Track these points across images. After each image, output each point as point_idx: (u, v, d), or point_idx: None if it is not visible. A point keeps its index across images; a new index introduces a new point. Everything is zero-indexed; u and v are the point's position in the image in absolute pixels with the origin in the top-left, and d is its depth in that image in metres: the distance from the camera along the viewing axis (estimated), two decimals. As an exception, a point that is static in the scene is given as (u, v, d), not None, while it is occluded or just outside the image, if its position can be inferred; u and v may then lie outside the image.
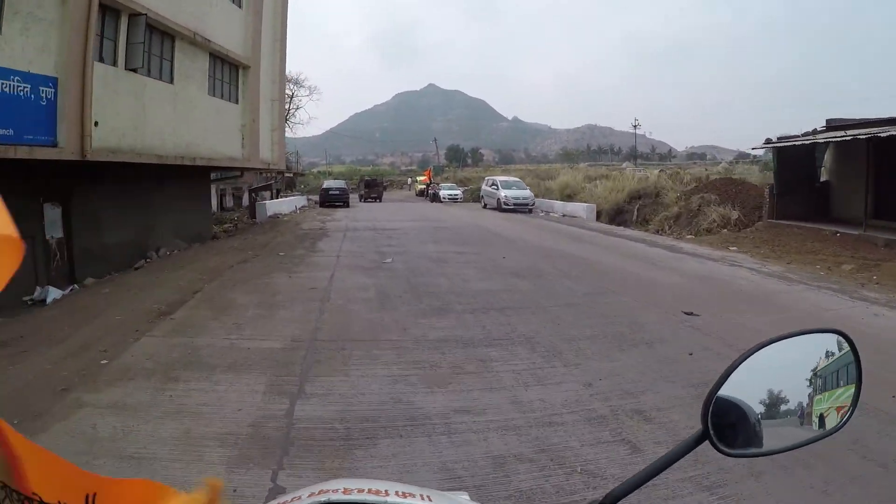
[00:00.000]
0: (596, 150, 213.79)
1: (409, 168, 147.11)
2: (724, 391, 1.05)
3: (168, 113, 15.99)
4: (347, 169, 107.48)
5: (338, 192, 35.08)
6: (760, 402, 1.06)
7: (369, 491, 1.01)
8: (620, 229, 23.21)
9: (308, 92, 60.81)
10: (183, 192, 18.23)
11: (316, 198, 39.41)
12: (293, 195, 41.21)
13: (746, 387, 1.06)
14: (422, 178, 63.17)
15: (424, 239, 17.97)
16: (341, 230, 20.56)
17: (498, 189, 32.81)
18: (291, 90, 59.91)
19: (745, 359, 1.06)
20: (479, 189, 48.74)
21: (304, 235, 19.10)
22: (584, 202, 30.40)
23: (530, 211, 31.45)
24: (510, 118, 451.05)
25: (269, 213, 26.00)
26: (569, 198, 34.20)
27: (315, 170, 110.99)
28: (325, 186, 36.80)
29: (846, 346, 1.13)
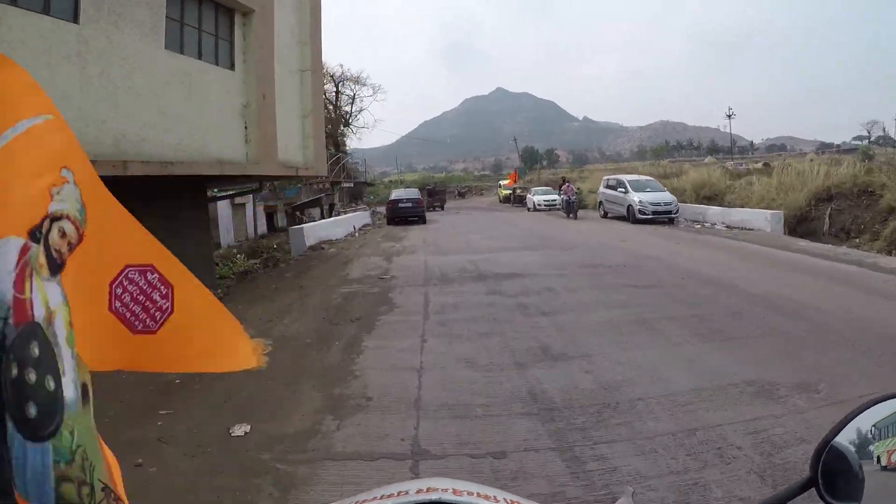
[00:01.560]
0: (674, 145, 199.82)
1: (483, 173, 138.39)
2: (839, 440, 1.00)
3: (69, 78, 7.85)
4: (420, 177, 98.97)
5: (410, 205, 26.29)
6: (876, 458, 1.00)
7: (478, 495, 0.95)
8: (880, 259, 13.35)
9: (371, 91, 52.43)
10: (151, 217, 9.78)
11: (384, 211, 30.94)
12: (356, 209, 32.79)
13: (861, 439, 1.01)
14: (506, 181, 54.07)
15: (596, 300, 8.41)
16: (419, 276, 11.50)
17: (627, 192, 23.36)
18: (353, 90, 52.12)
19: (865, 410, 1.01)
20: (576, 194, 39.64)
21: (346, 300, 9.27)
22: (743, 206, 20.79)
23: (672, 220, 21.94)
24: (580, 118, 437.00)
25: (308, 243, 17.45)
26: (708, 200, 24.50)
27: (387, 179, 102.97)
28: (393, 197, 27.87)
29: None
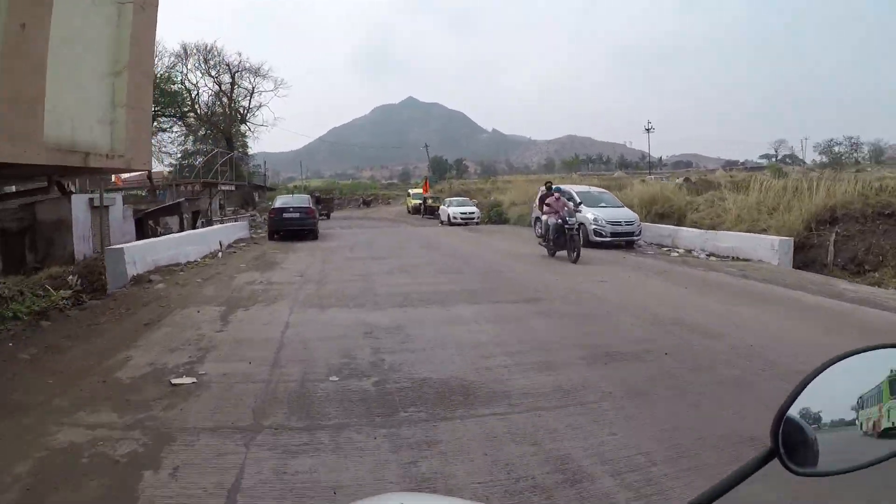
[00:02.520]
0: (584, 159, 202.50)
1: (391, 181, 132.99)
2: (794, 409, 1.02)
3: None
4: (325, 183, 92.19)
5: (298, 216, 20.33)
6: (831, 421, 1.02)
7: None
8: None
9: (273, 86, 45.84)
10: None
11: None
12: (236, 218, 26.61)
13: (817, 404, 1.02)
14: (416, 190, 49.04)
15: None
16: (258, 374, 5.60)
17: (577, 207, 19.02)
18: (251, 82, 45.50)
19: (816, 376, 1.03)
20: (495, 206, 35.26)
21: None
22: (713, 227, 16.92)
23: (632, 244, 17.77)
24: (490, 130, 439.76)
25: (133, 271, 11.57)
26: (662, 218, 20.49)
27: (291, 184, 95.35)
28: (276, 205, 21.66)
29: None
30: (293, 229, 20.21)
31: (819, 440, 1.00)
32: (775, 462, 0.99)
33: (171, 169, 63.74)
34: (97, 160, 9.17)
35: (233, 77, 44.00)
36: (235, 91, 44.97)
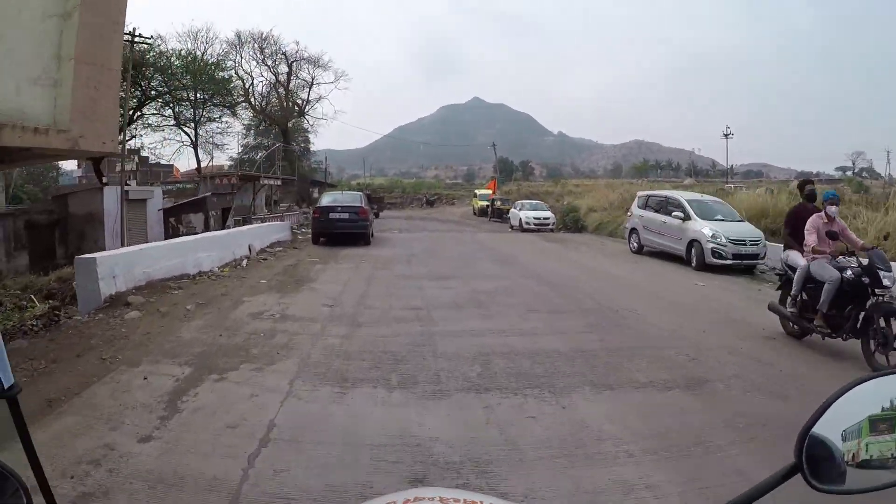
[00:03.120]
0: (652, 164, 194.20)
1: (455, 181, 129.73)
2: (819, 426, 1.02)
3: None
4: (389, 181, 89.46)
5: (347, 216, 16.96)
6: (854, 439, 1.02)
7: (465, 502, 0.98)
8: None
9: (333, 77, 43.05)
10: None
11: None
12: (282, 216, 23.57)
13: (841, 423, 1.03)
14: (483, 191, 45.36)
15: None
16: None
17: (688, 218, 15.01)
18: (311, 73, 42.84)
19: (841, 395, 1.04)
20: (570, 212, 31.24)
21: None
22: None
23: (751, 268, 13.90)
24: (555, 133, 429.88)
25: (110, 289, 8.42)
26: (773, 234, 16.00)
27: (354, 181, 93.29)
28: (322, 204, 18.03)
29: None
30: (341, 233, 16.90)
31: (843, 461, 1.01)
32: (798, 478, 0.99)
33: (232, 163, 62.51)
34: (20, 136, 5.86)
35: (290, 67, 41.43)
36: (293, 82, 42.36)
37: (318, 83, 43.55)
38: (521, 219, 28.78)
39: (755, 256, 13.94)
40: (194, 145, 34.68)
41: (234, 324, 7.27)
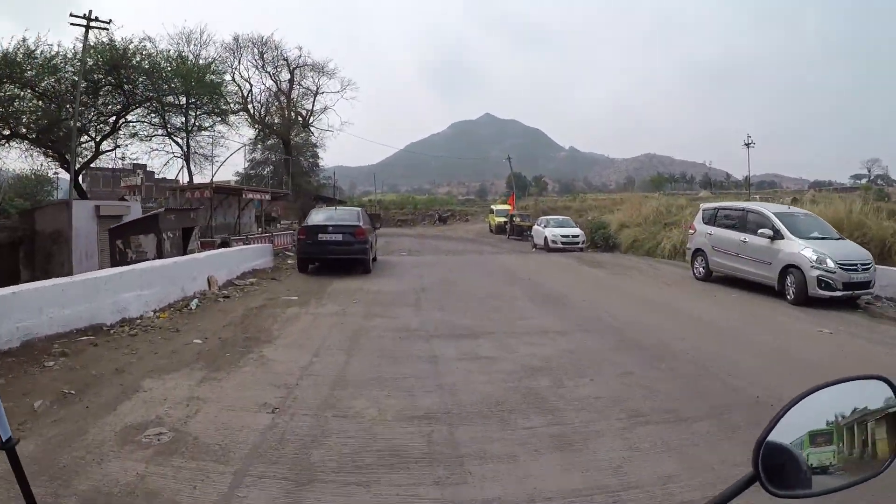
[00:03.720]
0: (667, 177, 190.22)
1: (468, 197, 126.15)
2: (774, 435, 1.06)
3: None
4: (400, 198, 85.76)
5: (341, 238, 13.33)
6: (808, 446, 1.07)
7: None
8: None
9: (340, 86, 39.47)
10: None
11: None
12: (279, 233, 20.02)
13: (795, 431, 1.06)
14: (500, 206, 41.69)
15: None
16: None
17: (778, 237, 11.43)
18: (315, 82, 39.48)
19: (795, 404, 1.07)
20: (599, 228, 27.53)
21: None
22: None
23: (854, 299, 10.48)
24: (566, 148, 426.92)
25: None
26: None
27: (366, 198, 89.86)
28: (310, 222, 14.09)
29: (890, 392, 1.12)
30: (332, 258, 13.33)
31: (797, 465, 1.05)
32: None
33: (238, 178, 59.26)
34: None
35: (292, 73, 38.06)
36: (295, 91, 39.01)
37: (323, 92, 40.17)
38: (546, 237, 25.14)
39: (866, 285, 10.57)
40: (186, 157, 31.30)
41: (72, 464, 3.64)
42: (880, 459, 1.08)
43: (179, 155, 32.14)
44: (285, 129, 38.74)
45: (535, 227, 27.73)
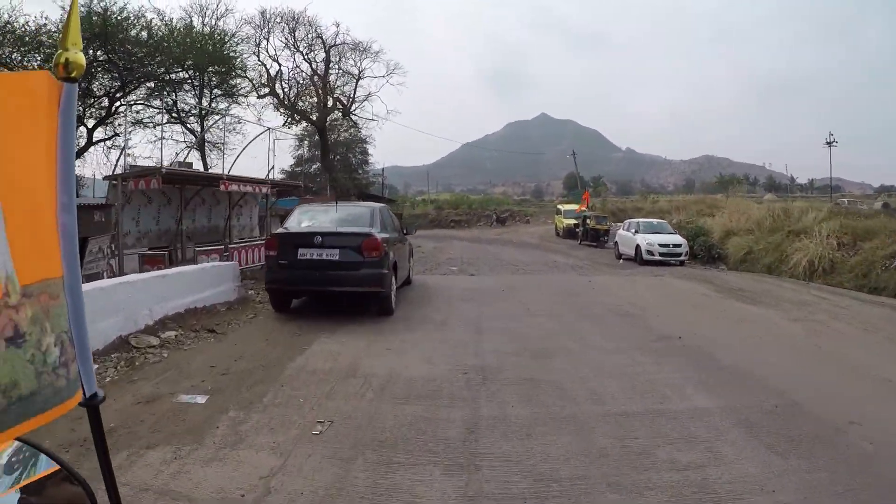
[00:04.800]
0: (728, 179, 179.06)
1: (523, 198, 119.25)
2: None
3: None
4: (454, 197, 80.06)
5: (336, 256, 7.51)
6: None
7: None
8: None
9: (386, 70, 33.86)
10: None
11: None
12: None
13: None
14: (569, 206, 35.28)
15: None
16: None
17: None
18: (357, 64, 33.99)
19: None
20: (698, 235, 21.34)
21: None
22: None
23: None
24: (623, 149, 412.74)
25: None
26: None
27: (419, 198, 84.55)
28: (287, 228, 8.18)
29: None
30: (323, 289, 7.75)
31: None
32: None
33: (284, 176, 54.61)
34: None
35: (327, 53, 32.64)
36: (333, 73, 33.60)
37: (366, 77, 34.72)
38: (640, 246, 18.97)
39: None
40: (200, 146, 26.39)
41: None
42: None
43: (192, 144, 27.37)
44: (321, 116, 33.46)
45: (622, 231, 21.51)
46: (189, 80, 24.70)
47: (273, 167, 15.15)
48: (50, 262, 0.98)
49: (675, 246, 18.93)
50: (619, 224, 32.21)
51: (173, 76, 23.44)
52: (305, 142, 51.38)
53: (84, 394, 1.00)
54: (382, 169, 62.40)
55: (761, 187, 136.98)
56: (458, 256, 19.84)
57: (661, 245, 18.74)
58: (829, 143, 73.37)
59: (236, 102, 27.53)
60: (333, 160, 54.96)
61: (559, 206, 35.75)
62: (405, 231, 10.55)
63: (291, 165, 51.66)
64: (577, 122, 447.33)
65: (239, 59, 26.92)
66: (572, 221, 31.04)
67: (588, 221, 27.74)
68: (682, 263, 18.86)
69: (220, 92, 26.24)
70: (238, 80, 27.54)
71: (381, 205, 9.92)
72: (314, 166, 49.59)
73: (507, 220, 44.68)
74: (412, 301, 9.39)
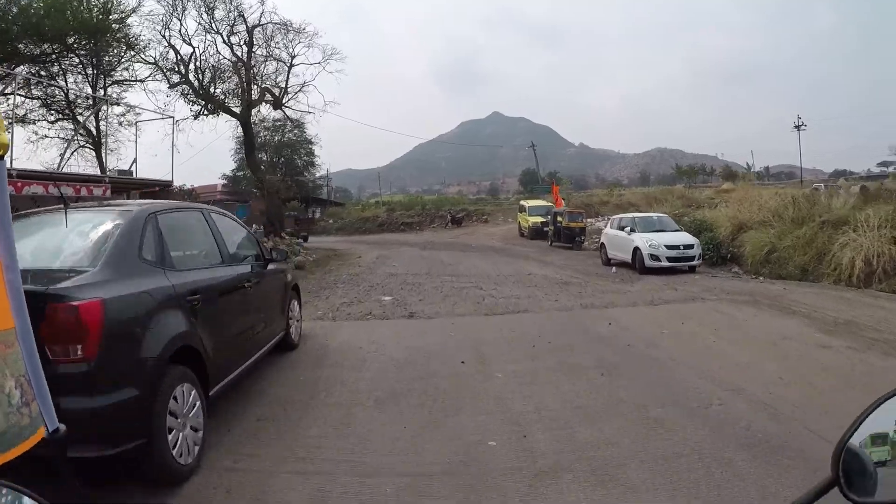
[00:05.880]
0: (684, 170, 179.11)
1: (479, 196, 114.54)
2: (856, 439, 0.99)
3: None
4: (408, 198, 74.71)
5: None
6: (892, 449, 1.01)
7: None
8: None
9: (322, 55, 28.23)
10: None
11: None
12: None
13: (878, 433, 1.00)
14: (535, 202, 30.44)
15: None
16: None
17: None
18: (289, 48, 28.26)
19: (877, 407, 1.00)
20: (700, 230, 16.69)
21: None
22: None
23: None
24: (577, 144, 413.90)
25: None
26: None
27: (372, 200, 79.00)
28: None
29: None
30: None
31: (878, 471, 0.98)
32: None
33: (225, 182, 48.41)
34: None
35: (250, 34, 26.91)
36: (257, 58, 27.84)
37: (301, 63, 29.17)
38: (639, 248, 14.29)
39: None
40: (96, 144, 20.63)
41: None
42: None
43: (86, 142, 21.57)
44: (245, 109, 27.72)
45: (609, 231, 16.75)
46: (81, 64, 19.18)
47: (136, 160, 10.13)
48: (2, 315, 1.10)
49: (686, 247, 14.28)
50: (593, 221, 27.64)
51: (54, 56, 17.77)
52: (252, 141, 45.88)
53: (47, 429, 1.14)
54: (328, 170, 57.04)
55: (718, 176, 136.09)
56: (402, 272, 14.73)
57: (668, 247, 14.04)
58: (798, 127, 70.30)
59: (128, 87, 22.00)
60: (277, 162, 49.31)
61: (523, 203, 30.77)
62: (271, 256, 5.40)
63: (233, 170, 46.43)
64: (530, 120, 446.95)
65: (134, 37, 21.33)
66: (539, 219, 26.30)
67: (559, 219, 22.99)
68: (693, 269, 14.28)
69: (117, 79, 20.74)
70: (137, 64, 22.07)
71: (201, 207, 4.78)
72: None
73: (463, 221, 39.70)
74: (262, 422, 4.23)
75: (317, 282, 13.73)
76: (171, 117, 21.44)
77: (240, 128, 27.54)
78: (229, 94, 27.95)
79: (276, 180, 32.86)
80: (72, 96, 20.76)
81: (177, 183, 16.79)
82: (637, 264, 14.41)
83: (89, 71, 20.83)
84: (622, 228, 15.87)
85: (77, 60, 20.20)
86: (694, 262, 14.32)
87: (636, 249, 14.50)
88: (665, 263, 13.86)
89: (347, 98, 37.32)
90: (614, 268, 15.26)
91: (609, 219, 17.97)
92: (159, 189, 12.30)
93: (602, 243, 17.18)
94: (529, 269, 15.17)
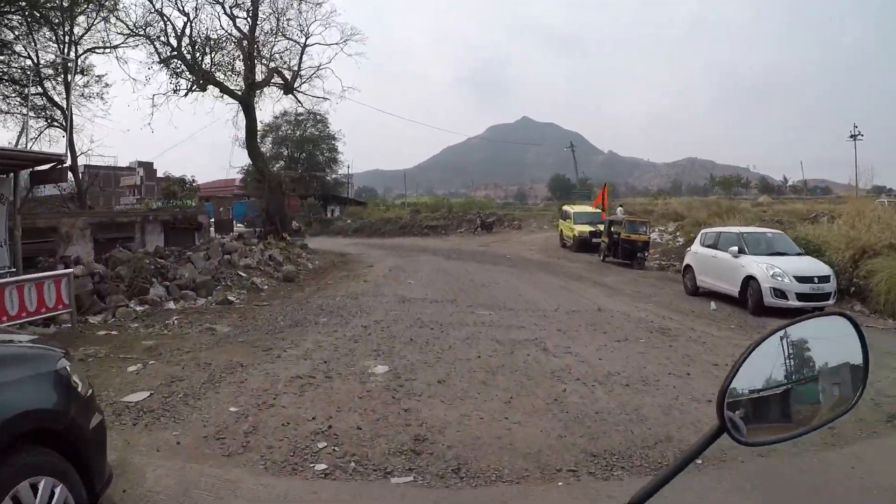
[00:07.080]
0: (718, 181, 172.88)
1: (506, 201, 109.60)
2: (738, 382, 1.00)
3: None
4: (434, 200, 70.48)
5: None
6: (774, 389, 1.00)
7: None
8: None
9: (341, 38, 24.34)
10: None
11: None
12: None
13: (759, 376, 1.00)
14: (580, 208, 26.02)
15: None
16: None
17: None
18: (303, 26, 24.33)
19: (755, 348, 1.01)
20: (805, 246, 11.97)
21: None
22: None
23: None
24: (605, 152, 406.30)
25: None
26: None
27: (398, 201, 74.82)
28: None
29: (851, 328, 1.05)
30: None
31: (764, 410, 0.99)
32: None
33: (243, 174, 44.78)
34: None
35: (254, 2, 22.89)
36: (261, 32, 23.77)
37: (316, 43, 25.40)
38: (755, 278, 9.96)
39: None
40: (67, 127, 16.91)
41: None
42: (846, 394, 1.05)
43: (51, 119, 17.90)
44: (247, 88, 23.75)
45: (702, 250, 12.26)
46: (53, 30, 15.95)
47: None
48: None
49: (822, 279, 9.88)
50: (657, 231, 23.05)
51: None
52: (270, 136, 42.47)
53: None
54: (349, 167, 53.13)
55: (755, 188, 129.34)
56: (418, 297, 10.58)
57: (799, 279, 9.66)
58: (854, 137, 64.04)
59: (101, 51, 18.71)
60: (298, 157, 45.72)
61: (567, 209, 26.21)
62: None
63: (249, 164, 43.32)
64: (559, 125, 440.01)
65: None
66: (587, 228, 21.91)
67: (616, 229, 18.60)
68: (829, 303, 9.90)
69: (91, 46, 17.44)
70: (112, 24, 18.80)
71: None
72: (276, 165, 40.49)
73: (493, 226, 35.26)
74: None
75: (295, 307, 9.63)
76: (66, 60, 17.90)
77: (241, 112, 23.59)
78: (227, 70, 24.04)
79: (278, 172, 28.99)
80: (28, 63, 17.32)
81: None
82: (750, 300, 10.06)
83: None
84: (720, 247, 11.47)
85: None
86: (830, 302, 9.94)
87: (749, 279, 10.14)
88: (795, 303, 9.46)
89: (375, 97, 33.48)
90: (713, 303, 10.86)
91: (702, 233, 13.42)
92: (52, 167, 8.23)
93: (687, 265, 12.75)
94: (594, 300, 10.86)
